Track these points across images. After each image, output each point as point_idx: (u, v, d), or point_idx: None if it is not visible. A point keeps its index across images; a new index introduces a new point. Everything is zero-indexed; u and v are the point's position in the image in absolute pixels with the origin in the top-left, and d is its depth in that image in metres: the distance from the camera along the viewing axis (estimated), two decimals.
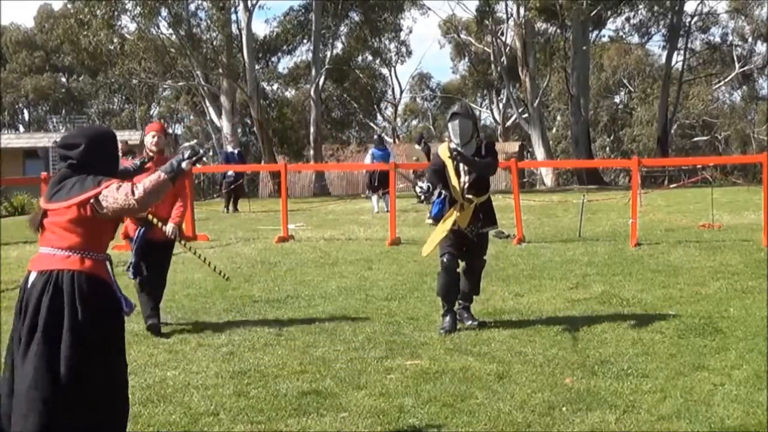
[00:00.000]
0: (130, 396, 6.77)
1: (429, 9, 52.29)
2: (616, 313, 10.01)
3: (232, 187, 27.83)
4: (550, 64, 49.61)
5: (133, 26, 42.59)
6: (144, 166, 8.88)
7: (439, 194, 9.42)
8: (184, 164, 5.42)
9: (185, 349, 8.86)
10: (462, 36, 60.06)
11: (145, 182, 5.28)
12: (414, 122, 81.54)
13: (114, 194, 5.23)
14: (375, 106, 65.96)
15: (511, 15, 47.30)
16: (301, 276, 13.33)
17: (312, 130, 43.67)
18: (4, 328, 10.03)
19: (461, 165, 9.46)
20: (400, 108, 74.47)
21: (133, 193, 5.20)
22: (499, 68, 51.50)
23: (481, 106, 73.95)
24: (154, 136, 10.08)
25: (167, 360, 8.43)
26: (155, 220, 9.69)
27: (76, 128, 5.89)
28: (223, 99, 42.97)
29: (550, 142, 54.57)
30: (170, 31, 41.51)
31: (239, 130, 44.66)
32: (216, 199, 36.60)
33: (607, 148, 70.09)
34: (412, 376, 7.65)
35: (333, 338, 9.12)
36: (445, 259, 9.52)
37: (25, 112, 79.70)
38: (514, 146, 53.02)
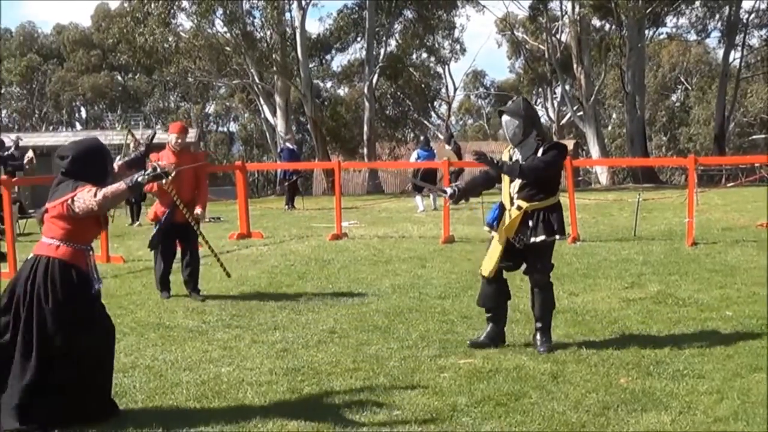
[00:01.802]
0: (184, 392, 6.87)
1: (484, 6, 51.99)
2: (671, 313, 9.92)
3: (290, 183, 27.96)
4: (605, 61, 49.17)
5: (188, 24, 42.92)
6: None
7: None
8: (141, 179, 6.51)
9: (239, 345, 8.91)
10: (517, 33, 59.77)
11: (106, 189, 6.43)
12: (469, 121, 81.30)
13: (84, 197, 6.41)
14: (429, 104, 65.82)
15: (566, 12, 47.00)
16: (355, 274, 13.35)
17: (366, 128, 43.72)
18: None
19: None
20: (454, 106, 74.32)
21: (95, 196, 6.39)
22: (553, 66, 51.18)
23: (536, 104, 73.64)
24: (177, 137, 11.71)
25: (221, 356, 8.48)
26: (180, 204, 11.25)
27: (69, 142, 6.92)
28: (277, 97, 43.14)
29: (606, 140, 54.16)
30: (225, 29, 41.75)
31: (294, 128, 44.76)
32: (270, 197, 36.79)
33: (664, 147, 69.44)
34: (466, 374, 7.63)
35: (386, 336, 9.12)
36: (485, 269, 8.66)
37: (83, 110, 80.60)
38: (569, 144, 52.71)
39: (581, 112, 47.31)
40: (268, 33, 43.18)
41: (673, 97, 72.54)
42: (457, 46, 57.16)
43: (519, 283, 12.07)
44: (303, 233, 19.24)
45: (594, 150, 45.93)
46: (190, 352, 8.68)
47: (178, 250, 11.98)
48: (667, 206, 22.80)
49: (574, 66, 46.30)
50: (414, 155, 26.94)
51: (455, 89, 71.35)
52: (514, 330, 9.26)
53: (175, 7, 41.37)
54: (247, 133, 67.35)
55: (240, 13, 41.22)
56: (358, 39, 47.01)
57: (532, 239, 8.42)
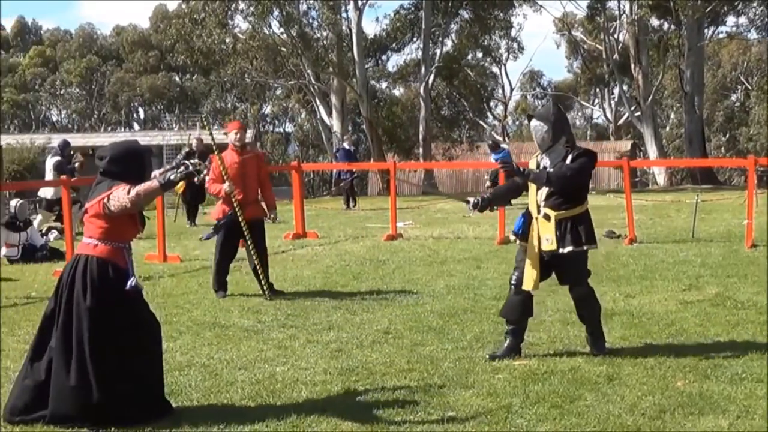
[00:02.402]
0: (239, 390, 6.91)
1: (541, 6, 51.66)
2: (730, 316, 9.81)
3: (343, 183, 28.05)
4: (663, 61, 48.71)
5: (245, 26, 43.17)
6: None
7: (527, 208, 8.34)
8: (173, 177, 6.57)
9: (294, 345, 8.95)
10: (574, 33, 59.42)
11: (139, 187, 6.49)
12: (526, 121, 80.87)
13: (118, 195, 6.48)
14: (485, 105, 65.63)
15: (624, 12, 46.64)
16: (410, 274, 13.35)
17: (421, 128, 43.69)
18: None
19: None
20: (511, 106, 74.00)
21: (128, 193, 6.46)
22: (611, 66, 50.82)
23: (593, 104, 73.12)
24: (236, 134, 11.85)
25: (276, 356, 8.52)
26: (237, 206, 11.40)
27: (109, 144, 7.02)
28: (333, 97, 43.27)
29: (663, 141, 53.67)
30: (282, 30, 41.94)
31: (349, 128, 44.85)
32: (326, 197, 36.91)
33: (723, 148, 68.61)
34: (521, 376, 7.60)
35: (441, 337, 9.11)
36: (513, 278, 8.38)
37: (140, 110, 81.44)
38: (626, 145, 52.36)
39: (639, 113, 46.94)
40: (325, 34, 43.32)
41: (733, 97, 71.63)
42: (515, 45, 56.89)
43: None
44: (358, 233, 19.27)
45: (651, 150, 45.53)
46: (245, 351, 8.73)
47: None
48: (725, 207, 22.55)
49: (632, 66, 45.94)
50: (492, 159, 26.70)
51: (512, 89, 71.11)
52: (570, 332, 9.21)
53: (232, 9, 41.63)
54: (303, 134, 67.57)
55: (296, 14, 41.39)
56: (414, 39, 46.96)
57: (560, 250, 8.08)
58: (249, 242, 11.51)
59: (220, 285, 11.85)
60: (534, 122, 8.26)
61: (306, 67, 42.52)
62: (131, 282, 6.71)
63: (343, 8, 42.81)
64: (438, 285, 12.31)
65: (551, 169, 8.07)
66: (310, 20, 43.45)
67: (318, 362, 8.20)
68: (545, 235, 8.09)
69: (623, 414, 6.57)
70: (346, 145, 29.81)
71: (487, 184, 25.37)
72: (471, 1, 45.29)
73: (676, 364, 7.81)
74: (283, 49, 42.69)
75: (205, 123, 11.97)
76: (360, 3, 41.47)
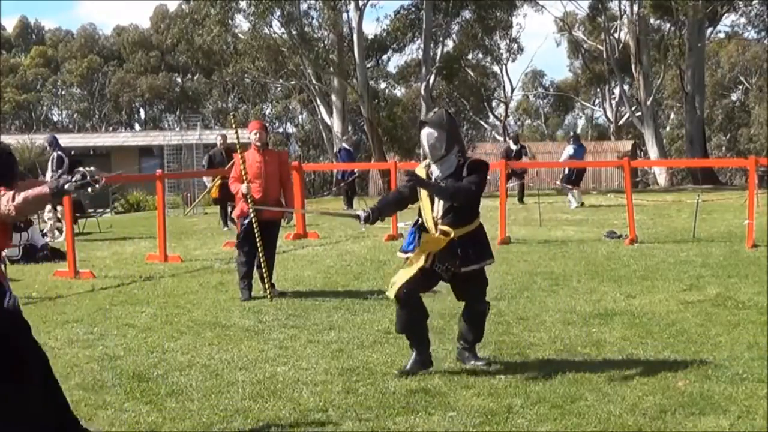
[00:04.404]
0: (240, 390, 6.91)
1: (542, 6, 51.69)
2: (731, 316, 9.81)
3: (347, 183, 28.05)
4: (664, 61, 48.74)
5: (246, 26, 43.17)
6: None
7: (416, 222, 7.88)
8: (67, 186, 5.59)
9: (295, 345, 8.95)
10: (575, 33, 59.44)
11: (27, 193, 5.58)
12: (527, 121, 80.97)
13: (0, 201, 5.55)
14: (486, 105, 65.67)
15: (625, 12, 46.63)
16: None
17: None
18: (121, 322, 10.30)
19: None
20: (512, 106, 74.02)
21: (13, 199, 5.54)
22: (611, 65, 50.82)
23: (594, 104, 73.13)
24: (256, 134, 11.81)
25: (277, 356, 8.52)
26: (252, 206, 11.38)
27: None
28: (334, 97, 43.26)
29: (664, 141, 53.62)
30: (282, 30, 41.94)
31: (350, 129, 44.84)
32: (327, 197, 36.90)
33: (723, 148, 68.59)
34: (521, 376, 7.59)
35: (441, 337, 9.09)
36: (401, 294, 7.71)
37: (141, 110, 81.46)
38: (627, 145, 52.24)
39: (639, 113, 46.92)
40: (325, 34, 43.32)
41: (733, 97, 71.60)
42: (515, 46, 56.95)
43: (575, 285, 12.03)
44: (359, 234, 19.26)
45: (652, 151, 45.50)
46: (246, 351, 8.74)
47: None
48: (726, 208, 22.54)
49: (633, 66, 45.91)
50: (568, 151, 26.59)
51: (513, 89, 71.08)
52: (570, 332, 9.22)
53: (233, 9, 41.63)
54: (305, 134, 67.61)
55: (297, 14, 41.38)
56: (415, 39, 46.97)
57: (464, 269, 7.74)
58: (259, 242, 11.48)
59: (246, 285, 11.73)
60: (427, 130, 7.73)
61: (307, 67, 42.52)
62: (8, 300, 5.80)
63: (344, 8, 42.79)
64: (438, 284, 12.27)
65: (448, 182, 7.68)
66: (311, 20, 43.46)
67: (319, 362, 8.20)
68: (447, 254, 7.68)
69: (624, 414, 6.57)
70: (346, 146, 29.80)
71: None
72: (472, 1, 45.28)
73: (677, 365, 7.81)
74: (284, 49, 42.69)
75: (233, 121, 11.92)
76: (361, 3, 41.46)
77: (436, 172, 7.78)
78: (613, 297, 11.13)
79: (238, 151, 11.78)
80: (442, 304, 10.85)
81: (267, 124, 13.97)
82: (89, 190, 5.67)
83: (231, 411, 6.88)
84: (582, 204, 25.01)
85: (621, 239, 16.75)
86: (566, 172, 26.43)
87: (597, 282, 12.24)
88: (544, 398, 6.96)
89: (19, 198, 5.54)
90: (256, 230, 11.48)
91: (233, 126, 11.65)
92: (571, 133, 32.22)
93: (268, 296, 11.46)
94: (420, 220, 7.86)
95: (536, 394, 7.07)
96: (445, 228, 7.68)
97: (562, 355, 8.29)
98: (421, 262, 7.68)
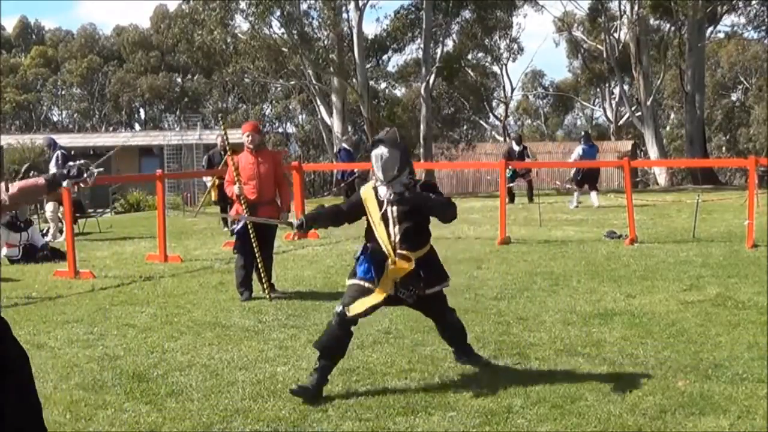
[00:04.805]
0: (240, 390, 6.92)
1: (542, 6, 51.67)
2: (731, 316, 9.80)
3: (347, 184, 28.02)
4: (663, 61, 48.75)
5: (246, 26, 43.16)
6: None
7: (365, 248, 7.45)
8: (64, 182, 5.57)
9: (295, 345, 8.94)
10: (575, 33, 59.44)
11: (22, 183, 5.48)
12: (527, 121, 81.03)
13: None
14: (486, 105, 65.69)
15: (624, 12, 46.63)
16: None
17: (422, 128, 43.66)
18: (121, 322, 10.30)
19: (391, 210, 7.39)
20: (512, 106, 74.05)
21: (7, 190, 5.39)
22: (611, 65, 50.82)
23: (594, 104, 73.16)
24: (248, 136, 11.77)
25: (277, 356, 8.52)
26: (244, 206, 11.44)
27: None
28: (334, 98, 43.26)
29: (664, 141, 53.63)
30: (282, 30, 41.94)
31: (350, 129, 44.84)
32: (327, 197, 36.89)
33: (723, 147, 68.61)
34: (521, 376, 7.60)
35: None
36: (340, 307, 7.37)
37: (141, 111, 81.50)
38: (627, 145, 52.38)
39: (639, 113, 46.93)
40: (325, 34, 43.31)
41: (733, 97, 71.62)
42: (515, 46, 56.98)
43: (575, 285, 12.03)
44: (359, 234, 19.16)
45: (652, 151, 45.52)
46: (246, 351, 8.74)
47: None
48: (726, 208, 22.54)
49: (633, 66, 45.91)
50: (578, 151, 26.53)
51: (512, 89, 71.14)
52: (570, 332, 9.21)
53: (232, 9, 41.62)
54: (305, 134, 67.61)
55: (297, 14, 41.39)
56: (415, 39, 46.96)
57: (428, 291, 7.48)
58: (254, 243, 11.49)
59: (245, 286, 11.72)
60: (383, 149, 7.34)
61: (307, 67, 42.52)
62: None
63: (344, 8, 42.80)
64: None
65: (434, 198, 7.41)
66: (311, 20, 43.46)
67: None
68: (410, 279, 7.38)
69: (624, 414, 6.57)
70: (346, 146, 29.78)
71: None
72: (472, 1, 45.28)
73: (676, 365, 7.81)
74: (284, 49, 42.68)
75: (222, 123, 11.93)
76: (361, 3, 41.46)
77: (385, 193, 7.39)
78: (613, 297, 11.13)
79: (228, 153, 11.83)
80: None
81: (262, 125, 14.01)
82: (83, 183, 5.64)
83: (231, 411, 6.88)
84: (579, 205, 24.94)
85: (621, 239, 16.75)
86: (574, 172, 26.36)
87: (597, 282, 12.24)
88: (544, 398, 6.95)
89: (14, 188, 5.43)
90: (251, 232, 11.49)
91: (223, 128, 11.68)
92: (583, 132, 32.12)
93: (267, 297, 11.46)
94: (370, 246, 7.44)
95: (536, 394, 7.07)
96: (405, 252, 7.38)
97: (562, 355, 8.29)
98: (385, 292, 7.34)
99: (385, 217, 7.40)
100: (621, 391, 7.10)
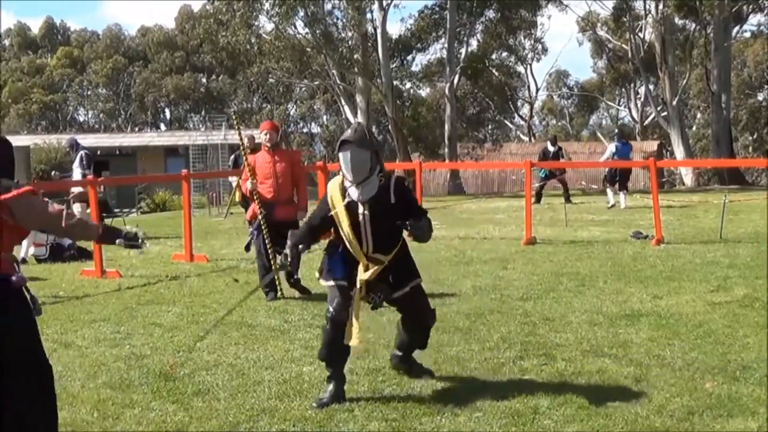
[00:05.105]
0: (266, 390, 6.92)
1: (566, 6, 51.45)
2: (758, 317, 9.73)
3: None
4: (689, 60, 48.51)
5: (270, 26, 43.25)
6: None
7: (336, 247, 7.18)
8: (117, 241, 5.83)
9: (320, 345, 8.94)
10: (599, 33, 59.22)
11: (83, 219, 5.90)
12: (552, 121, 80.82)
13: (43, 207, 5.46)
14: (511, 104, 65.56)
15: (649, 11, 46.44)
16: (436, 274, 13.30)
17: (447, 128, 43.65)
18: (148, 321, 10.33)
19: (361, 212, 7.00)
20: (537, 106, 73.86)
21: (69, 218, 5.52)
22: (636, 65, 50.62)
23: (619, 104, 72.91)
24: (266, 134, 11.74)
25: (303, 356, 8.52)
26: (260, 207, 11.50)
27: None
28: (358, 98, 43.27)
29: (690, 141, 53.41)
30: (307, 30, 41.99)
31: (374, 129, 44.86)
32: None
33: (750, 147, 68.17)
34: (548, 377, 7.58)
35: (467, 338, 9.09)
36: (329, 311, 7.15)
37: (167, 111, 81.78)
38: (652, 145, 52.13)
39: (665, 113, 46.72)
40: (349, 34, 43.33)
41: (759, 96, 71.13)
42: (539, 46, 56.87)
43: (602, 285, 11.98)
44: None
45: (678, 151, 45.31)
46: (272, 350, 8.75)
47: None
48: (753, 208, 22.39)
49: (658, 65, 45.70)
50: (611, 148, 26.28)
51: (537, 89, 70.96)
52: (597, 333, 9.18)
53: (256, 9, 41.69)
54: (329, 134, 67.64)
55: (321, 14, 41.43)
56: (439, 39, 46.93)
57: (396, 294, 7.17)
58: (268, 243, 11.46)
59: (269, 287, 11.67)
60: (353, 150, 6.97)
61: (331, 67, 42.56)
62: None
63: (368, 8, 42.80)
64: (464, 285, 12.28)
65: (418, 221, 6.94)
66: (335, 20, 43.49)
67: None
68: (378, 283, 7.08)
69: (651, 415, 6.54)
70: None
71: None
72: (496, 1, 45.20)
73: (704, 366, 7.77)
74: (308, 49, 42.73)
75: (234, 119, 11.91)
76: (385, 3, 41.46)
77: (355, 194, 7.03)
78: (640, 298, 11.08)
79: (243, 149, 11.82)
80: (468, 304, 10.86)
81: (286, 125, 13.97)
82: (138, 250, 6.03)
83: (257, 410, 6.89)
84: (614, 205, 24.69)
85: (647, 240, 16.67)
86: (608, 170, 26.12)
87: (623, 283, 12.19)
88: (571, 399, 6.93)
89: (73, 220, 5.57)
90: (265, 232, 11.48)
91: (235, 124, 11.66)
92: (616, 130, 31.85)
93: (280, 296, 11.48)
94: (340, 244, 7.12)
95: (563, 395, 7.04)
96: (377, 256, 7.04)
97: (588, 356, 8.26)
98: (361, 295, 7.06)
99: (356, 221, 7.01)
100: (648, 392, 7.07)
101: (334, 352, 7.11)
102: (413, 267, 7.34)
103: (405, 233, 7.10)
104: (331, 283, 7.18)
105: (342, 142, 7.08)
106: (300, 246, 7.11)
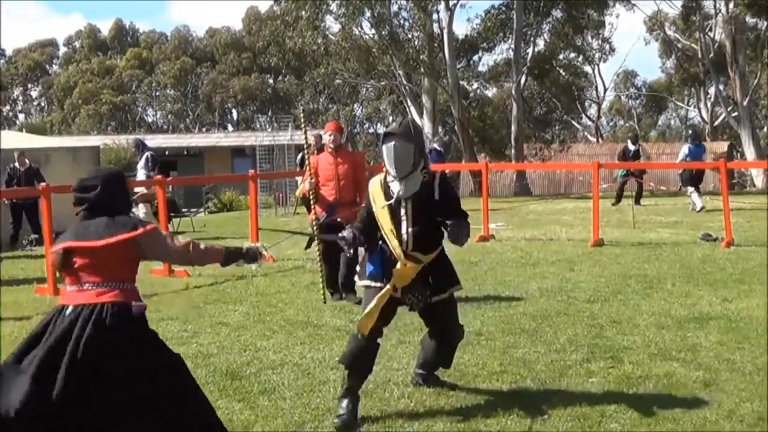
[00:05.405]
0: (331, 389, 6.93)
1: (634, 5, 50.91)
2: None
3: None
4: (760, 60, 47.77)
5: (336, 27, 43.37)
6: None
7: (376, 247, 6.97)
8: (239, 262, 6.16)
9: (386, 345, 8.90)
10: (668, 32, 58.54)
11: (208, 249, 5.94)
12: (620, 122, 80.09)
13: (164, 242, 5.68)
14: (578, 105, 65.07)
15: (719, 10, 45.82)
16: (502, 276, 13.27)
17: (513, 128, 43.42)
18: (215, 320, 10.40)
19: (403, 208, 6.84)
20: (604, 106, 73.26)
21: (194, 248, 5.78)
22: (706, 65, 49.98)
23: (688, 105, 72.05)
24: (330, 135, 11.72)
25: None
26: (314, 208, 11.52)
27: (89, 172, 5.88)
28: (424, 98, 43.21)
29: (761, 142, 52.58)
30: (373, 31, 42.04)
31: (440, 129, 44.79)
32: None
33: None
34: (615, 380, 7.51)
35: (534, 339, 9.04)
36: (371, 329, 6.89)
37: (234, 111, 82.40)
38: (722, 146, 51.34)
39: (736, 113, 46.08)
40: (416, 34, 43.29)
41: None
42: (607, 46, 56.32)
43: (670, 288, 11.85)
44: None
45: (749, 152, 44.63)
46: (337, 350, 8.75)
47: None
48: None
49: (729, 65, 45.06)
50: (684, 150, 25.90)
51: (605, 90, 70.36)
52: (665, 336, 9.09)
53: (323, 10, 41.84)
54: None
55: (387, 14, 41.45)
56: (506, 39, 46.71)
57: (435, 297, 6.91)
58: (318, 247, 11.15)
59: (334, 288, 11.67)
60: (396, 143, 6.78)
61: (397, 67, 42.55)
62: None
63: (435, 9, 42.73)
64: (531, 287, 12.22)
65: (456, 223, 6.84)
66: (401, 21, 43.45)
67: (410, 363, 8.17)
68: (417, 284, 6.87)
69: (720, 420, 6.46)
70: (437, 146, 29.73)
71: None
72: (563, 1, 44.91)
73: None
74: (374, 50, 42.78)
75: (303, 119, 11.85)
76: (451, 3, 41.37)
77: (398, 189, 6.85)
78: (709, 301, 10.94)
79: (307, 149, 11.73)
80: (534, 306, 10.80)
81: (352, 126, 13.90)
82: (255, 265, 6.29)
83: (322, 410, 6.92)
84: (702, 209, 24.05)
85: (717, 242, 16.45)
86: (683, 172, 25.68)
87: (692, 285, 12.04)
88: (638, 403, 6.86)
89: (198, 250, 5.84)
90: (315, 234, 11.33)
91: (303, 124, 11.61)
92: (689, 131, 31.38)
93: (323, 300, 11.32)
94: (380, 244, 6.94)
95: (630, 398, 6.98)
96: (416, 255, 6.83)
97: (656, 360, 8.17)
98: (388, 294, 6.80)
99: (397, 217, 6.84)
100: (717, 397, 6.99)
101: (360, 361, 6.86)
102: (454, 273, 7.18)
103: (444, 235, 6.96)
104: (366, 282, 7.02)
105: (386, 134, 6.92)
106: (357, 233, 6.94)
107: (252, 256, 6.18)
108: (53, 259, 5.61)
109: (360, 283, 7.18)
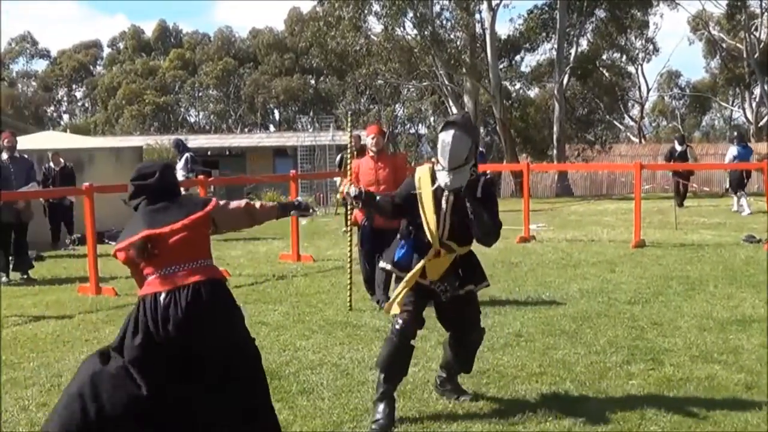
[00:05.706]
0: (370, 390, 6.94)
1: (678, 4, 50.52)
2: None
3: None
4: None
5: (379, 27, 43.39)
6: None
7: (409, 233, 6.89)
8: (292, 211, 6.38)
9: (425, 346, 8.93)
10: (712, 32, 58.08)
11: (264, 206, 6.12)
12: (663, 122, 79.51)
13: (230, 209, 5.87)
14: (621, 105, 64.66)
15: (765, 10, 45.39)
16: (542, 277, 13.22)
17: (555, 129, 43.24)
18: (255, 320, 10.43)
19: (445, 198, 6.80)
20: (648, 107, 72.71)
21: (253, 208, 5.99)
22: (751, 65, 49.51)
23: (732, 105, 71.41)
24: (373, 138, 11.63)
25: None
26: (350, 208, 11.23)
27: (140, 164, 5.97)
28: (466, 98, 43.14)
29: None
30: (415, 31, 42.02)
31: (482, 130, 44.68)
32: None
33: None
34: (655, 382, 7.46)
35: (573, 341, 9.00)
36: (398, 323, 6.82)
37: (276, 112, 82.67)
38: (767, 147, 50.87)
39: None
40: (458, 35, 43.22)
41: None
42: (650, 46, 55.93)
43: (712, 290, 11.74)
44: None
45: None
46: (376, 351, 8.73)
47: None
48: None
49: None
50: (732, 151, 25.59)
51: (648, 90, 69.85)
52: (707, 338, 9.01)
53: (365, 11, 41.88)
54: (436, 135, 67.44)
55: (430, 15, 41.42)
56: (549, 39, 46.53)
57: (462, 289, 6.87)
58: (349, 250, 11.24)
59: (371, 289, 11.62)
60: (455, 133, 6.71)
61: (439, 68, 42.51)
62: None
63: (477, 9, 42.65)
64: (571, 288, 12.17)
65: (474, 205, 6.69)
66: (444, 21, 43.41)
67: None
68: (448, 273, 6.85)
69: (762, 424, 6.39)
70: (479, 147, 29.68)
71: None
72: (606, 1, 44.66)
73: None
74: (416, 50, 42.76)
75: (348, 122, 11.74)
76: (494, 3, 41.27)
77: (445, 180, 6.76)
78: (752, 303, 10.83)
79: (350, 151, 11.47)
80: (575, 308, 10.75)
81: (394, 126, 13.81)
82: (307, 217, 6.36)
83: (361, 410, 6.92)
84: (751, 209, 23.73)
85: (760, 244, 16.30)
86: (731, 173, 25.31)
87: (735, 287, 11.93)
88: (679, 406, 6.81)
89: (258, 209, 6.04)
90: (348, 238, 11.33)
91: (348, 125, 11.48)
92: (735, 133, 31.04)
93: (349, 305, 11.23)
94: (413, 230, 6.89)
95: (670, 401, 6.93)
96: (450, 244, 6.79)
97: (697, 362, 8.11)
98: (416, 277, 6.77)
99: (438, 206, 6.76)
100: (759, 400, 6.92)
101: (395, 365, 6.80)
102: (483, 272, 7.08)
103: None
104: (387, 266, 7.02)
105: (447, 122, 6.86)
106: (375, 199, 7.13)
107: (305, 207, 6.41)
108: (131, 253, 5.48)
109: (382, 264, 7.16)
